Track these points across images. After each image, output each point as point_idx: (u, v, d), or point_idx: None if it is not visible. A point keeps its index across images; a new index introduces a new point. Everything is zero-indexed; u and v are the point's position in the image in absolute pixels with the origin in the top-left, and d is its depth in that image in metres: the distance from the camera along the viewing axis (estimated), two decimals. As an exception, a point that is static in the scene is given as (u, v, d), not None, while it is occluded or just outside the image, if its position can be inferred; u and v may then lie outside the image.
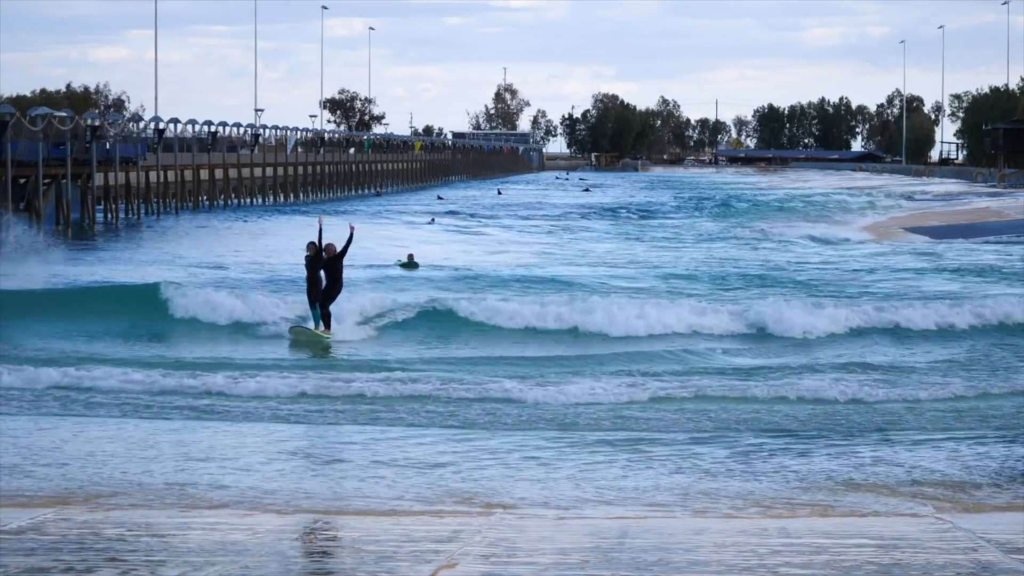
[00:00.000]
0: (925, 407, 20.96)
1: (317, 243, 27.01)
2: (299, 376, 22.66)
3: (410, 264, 44.30)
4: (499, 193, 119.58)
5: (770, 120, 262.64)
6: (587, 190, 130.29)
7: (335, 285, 26.74)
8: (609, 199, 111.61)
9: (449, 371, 23.92)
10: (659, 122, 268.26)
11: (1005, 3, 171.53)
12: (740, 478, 15.64)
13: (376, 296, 31.43)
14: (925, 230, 65.35)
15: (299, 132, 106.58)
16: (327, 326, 26.88)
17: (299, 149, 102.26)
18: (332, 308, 27.24)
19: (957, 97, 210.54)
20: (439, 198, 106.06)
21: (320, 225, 27.79)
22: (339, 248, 26.88)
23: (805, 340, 28.88)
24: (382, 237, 59.26)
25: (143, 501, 14.10)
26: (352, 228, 27.78)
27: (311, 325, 27.13)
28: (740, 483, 15.36)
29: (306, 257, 27.24)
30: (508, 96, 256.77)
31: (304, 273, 27.89)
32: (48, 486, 14.86)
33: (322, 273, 26.88)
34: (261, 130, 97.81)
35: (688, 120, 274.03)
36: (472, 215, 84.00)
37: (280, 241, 57.24)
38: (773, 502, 14.38)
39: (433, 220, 75.60)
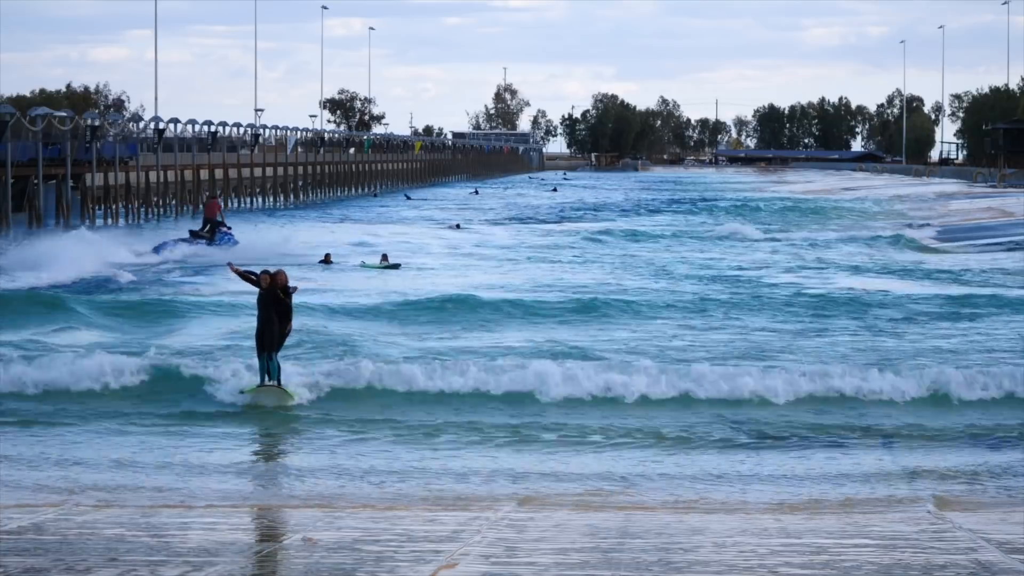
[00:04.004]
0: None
1: (271, 276, 20.98)
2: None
3: (391, 266, 43.10)
4: (475, 192, 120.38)
5: (770, 120, 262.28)
6: (555, 190, 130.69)
7: (285, 325, 20.96)
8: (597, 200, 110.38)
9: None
10: (659, 122, 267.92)
11: (1005, 3, 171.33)
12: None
13: None
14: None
15: (299, 132, 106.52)
16: (278, 379, 20.88)
17: (299, 149, 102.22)
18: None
19: (957, 97, 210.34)
20: (407, 197, 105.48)
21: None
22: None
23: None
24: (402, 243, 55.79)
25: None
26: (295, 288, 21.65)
27: (271, 381, 20.81)
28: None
29: (261, 292, 20.92)
30: (508, 96, 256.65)
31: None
32: None
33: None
34: (261, 130, 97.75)
35: (688, 120, 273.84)
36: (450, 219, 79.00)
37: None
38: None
39: (459, 226, 69.28)
